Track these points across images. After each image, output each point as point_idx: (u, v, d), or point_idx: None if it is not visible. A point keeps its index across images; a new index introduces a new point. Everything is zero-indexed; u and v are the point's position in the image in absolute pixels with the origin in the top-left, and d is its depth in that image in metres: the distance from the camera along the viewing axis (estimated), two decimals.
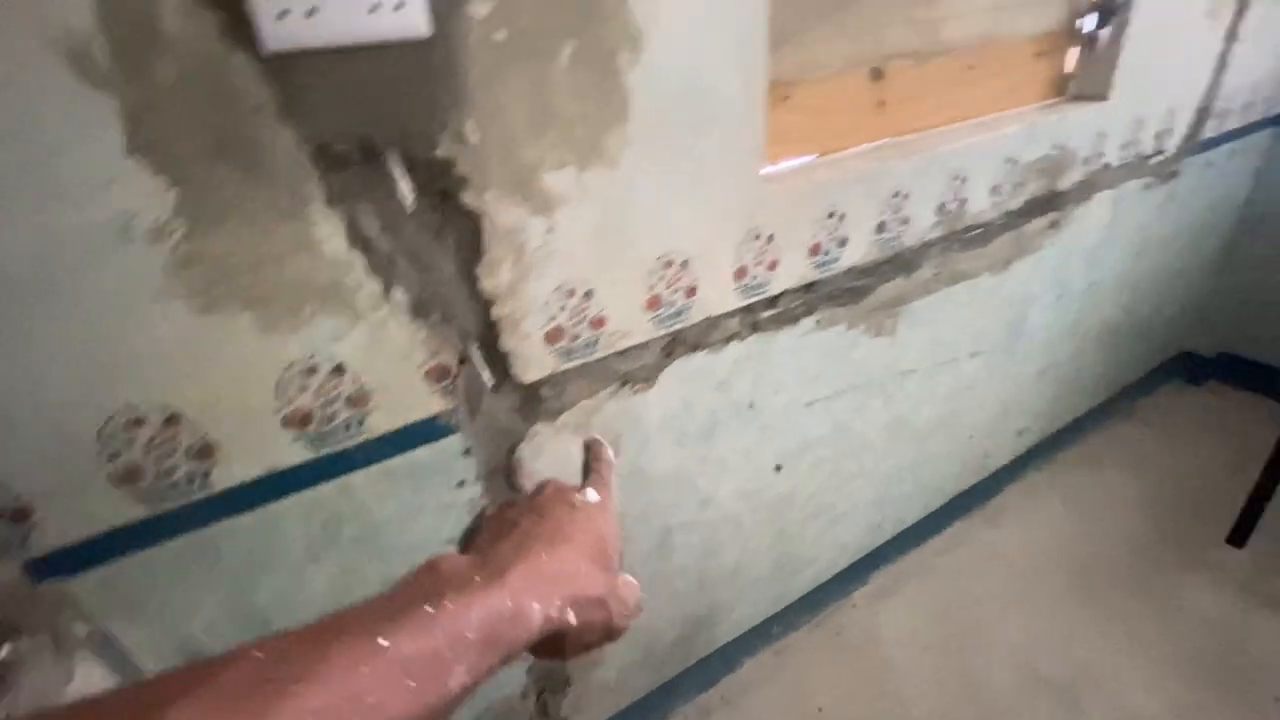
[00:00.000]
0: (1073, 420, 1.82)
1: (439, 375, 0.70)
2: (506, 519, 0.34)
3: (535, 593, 0.28)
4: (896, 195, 1.00)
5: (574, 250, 0.73)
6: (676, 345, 0.89)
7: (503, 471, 0.80)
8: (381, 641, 0.23)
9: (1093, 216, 1.37)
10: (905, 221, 1.04)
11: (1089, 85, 1.22)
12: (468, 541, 0.36)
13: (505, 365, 0.74)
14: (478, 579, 0.27)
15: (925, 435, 1.37)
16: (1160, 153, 1.43)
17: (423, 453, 0.73)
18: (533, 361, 0.76)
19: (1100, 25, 1.17)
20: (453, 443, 0.75)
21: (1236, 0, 1.35)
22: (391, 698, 0.22)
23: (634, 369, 0.86)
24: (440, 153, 0.61)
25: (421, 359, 0.68)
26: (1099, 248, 1.45)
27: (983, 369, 1.38)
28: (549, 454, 0.83)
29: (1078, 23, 1.18)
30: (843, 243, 0.98)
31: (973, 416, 1.46)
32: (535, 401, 0.79)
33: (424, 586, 0.27)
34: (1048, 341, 1.51)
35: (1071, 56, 1.21)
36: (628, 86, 0.69)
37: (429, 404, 0.71)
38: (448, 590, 0.26)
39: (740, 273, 0.89)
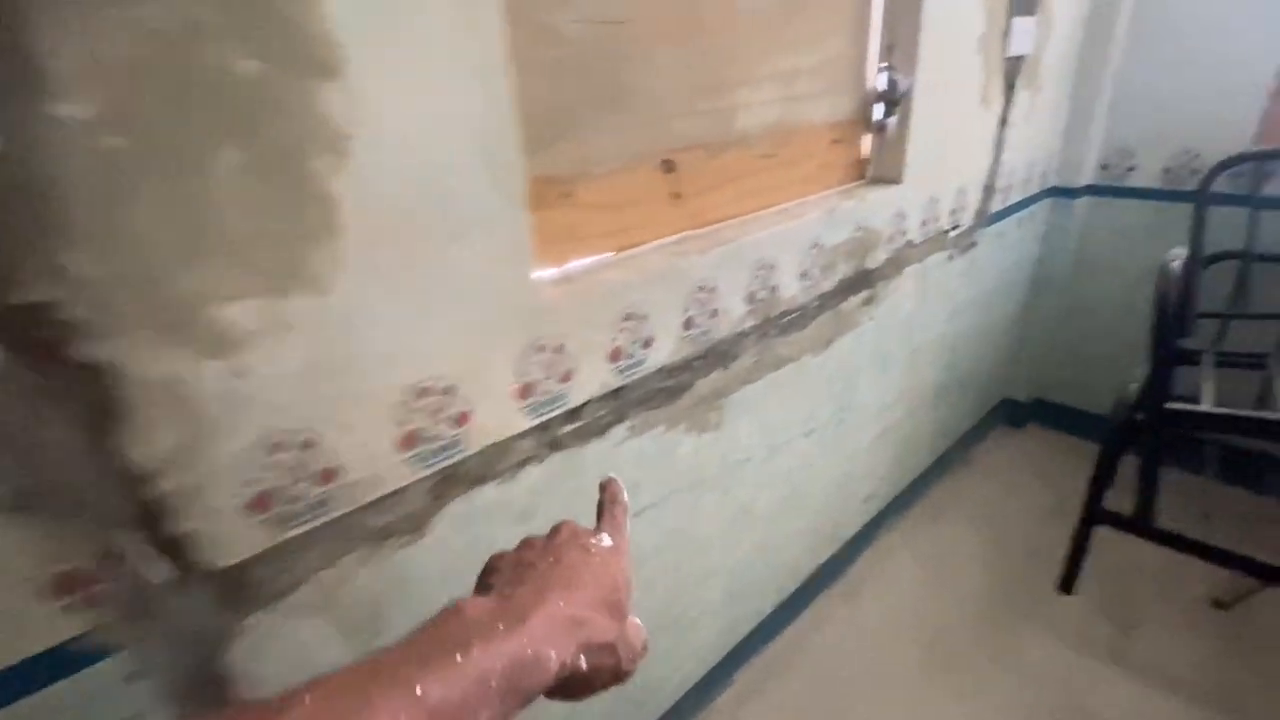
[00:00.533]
0: (916, 477, 1.87)
1: (67, 586, 0.51)
2: (524, 561, 0.35)
3: (552, 640, 0.29)
4: (702, 289, 0.94)
5: (279, 394, 0.58)
6: (451, 484, 0.75)
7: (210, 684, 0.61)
8: (417, 690, 0.23)
9: (904, 289, 1.42)
10: (714, 314, 0.98)
11: (885, 169, 1.27)
12: (483, 580, 0.36)
13: (185, 551, 0.56)
14: (500, 626, 0.28)
15: (770, 520, 1.31)
16: (956, 227, 1.53)
17: (60, 690, 0.53)
18: (230, 540, 0.58)
19: (887, 114, 1.22)
20: (109, 668, 0.55)
21: (1004, 89, 1.49)
22: None
23: (393, 520, 0.70)
24: (29, 296, 0.45)
25: (31, 570, 0.49)
26: (914, 317, 1.50)
27: (818, 445, 1.36)
28: (284, 644, 0.64)
29: (869, 111, 1.22)
30: (648, 343, 0.90)
31: (816, 492, 1.43)
32: (245, 587, 0.61)
33: (451, 632, 0.27)
34: (879, 409, 1.53)
35: (866, 142, 1.25)
36: (333, 196, 0.56)
37: (54, 628, 0.51)
38: (474, 638, 0.27)
39: (525, 390, 0.77)
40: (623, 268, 0.87)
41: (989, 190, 1.60)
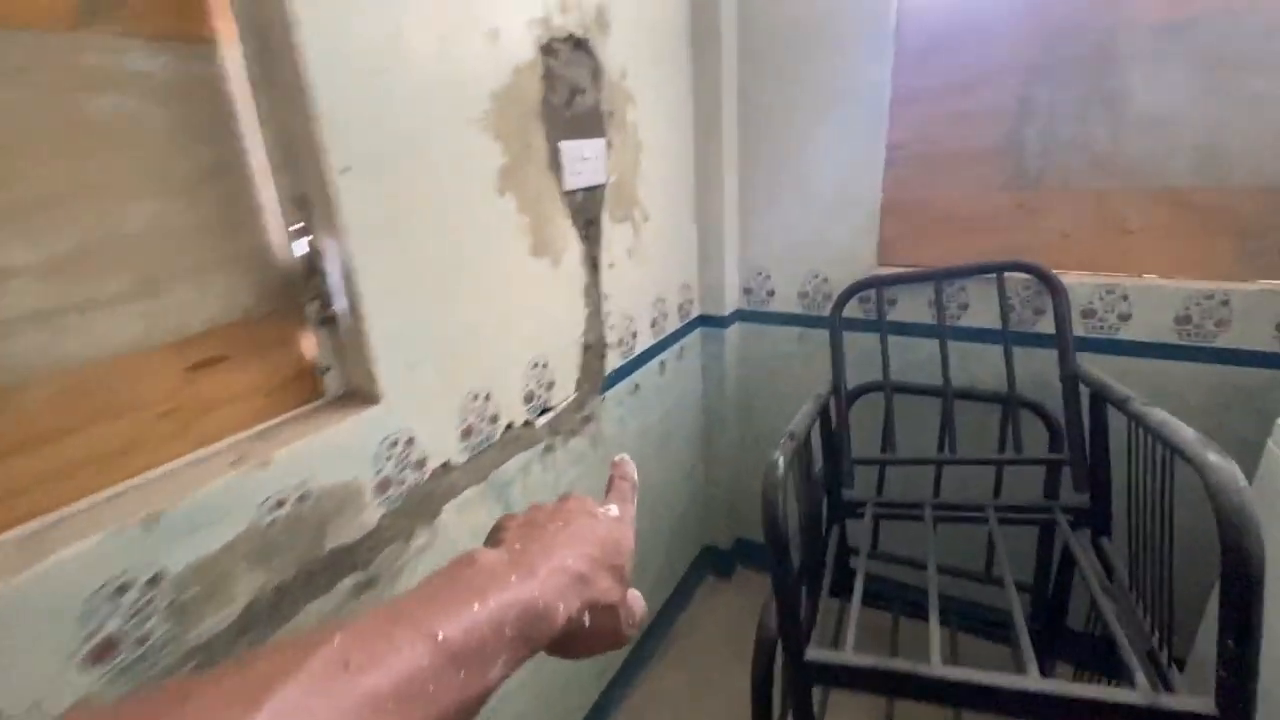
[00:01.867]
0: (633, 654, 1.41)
1: None
2: (533, 521, 0.35)
3: (561, 594, 0.30)
4: None
5: None
6: None
7: None
8: (439, 635, 0.24)
9: (451, 532, 0.95)
10: None
11: (351, 383, 0.80)
12: (492, 538, 0.36)
13: None
14: (513, 577, 0.28)
15: None
16: (547, 410, 1.13)
17: None
18: None
19: (324, 305, 0.76)
20: None
21: (579, 228, 1.15)
22: (444, 687, 0.23)
23: None
24: None
25: None
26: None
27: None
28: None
29: (297, 299, 0.75)
30: None
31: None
32: None
33: (468, 580, 0.27)
34: None
35: (311, 345, 0.77)
36: None
37: None
38: (490, 586, 0.27)
39: None
40: None
41: (595, 348, 1.25)
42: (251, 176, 0.69)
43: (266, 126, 0.69)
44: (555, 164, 1.06)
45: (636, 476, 0.43)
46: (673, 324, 1.55)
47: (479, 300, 0.94)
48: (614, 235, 1.25)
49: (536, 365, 1.09)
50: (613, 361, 1.31)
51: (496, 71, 0.91)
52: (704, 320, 1.69)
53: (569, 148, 1.07)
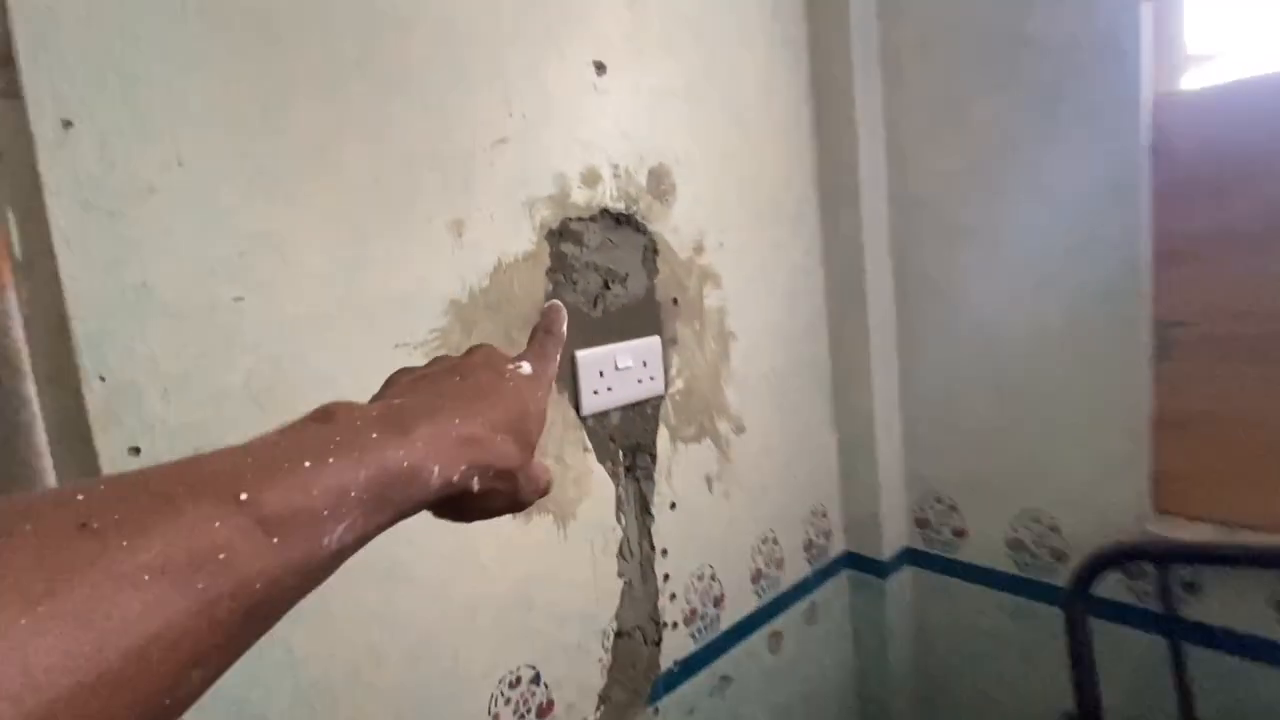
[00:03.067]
0: None
1: None
2: (429, 375, 0.31)
3: (438, 455, 0.25)
4: None
5: None
6: None
7: None
8: (241, 495, 0.19)
9: None
10: None
11: None
12: (380, 393, 0.31)
13: None
14: (375, 435, 0.24)
15: None
16: None
17: None
18: None
19: None
20: None
21: (619, 466, 0.80)
22: (248, 554, 0.18)
23: None
24: None
25: None
26: None
27: None
28: None
29: None
30: None
31: None
32: None
33: (313, 435, 0.23)
34: None
35: None
36: None
37: None
38: (336, 445, 0.22)
39: None
40: None
41: (637, 633, 0.83)
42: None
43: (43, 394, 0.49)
44: (568, 381, 0.75)
45: (565, 328, 0.37)
46: (795, 572, 1.07)
47: (420, 597, 0.63)
48: (681, 462, 0.88)
49: (516, 682, 0.72)
50: (675, 647, 0.88)
51: (462, 274, 0.66)
52: (852, 561, 1.16)
53: (589, 359, 0.76)
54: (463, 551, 0.67)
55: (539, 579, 0.73)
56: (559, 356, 0.36)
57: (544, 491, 0.32)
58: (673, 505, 0.87)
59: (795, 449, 1.06)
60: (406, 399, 0.28)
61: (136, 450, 0.48)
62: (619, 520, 0.81)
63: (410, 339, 0.62)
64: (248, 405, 0.54)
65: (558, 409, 0.74)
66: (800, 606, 1.08)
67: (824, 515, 1.13)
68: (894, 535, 1.14)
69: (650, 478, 0.85)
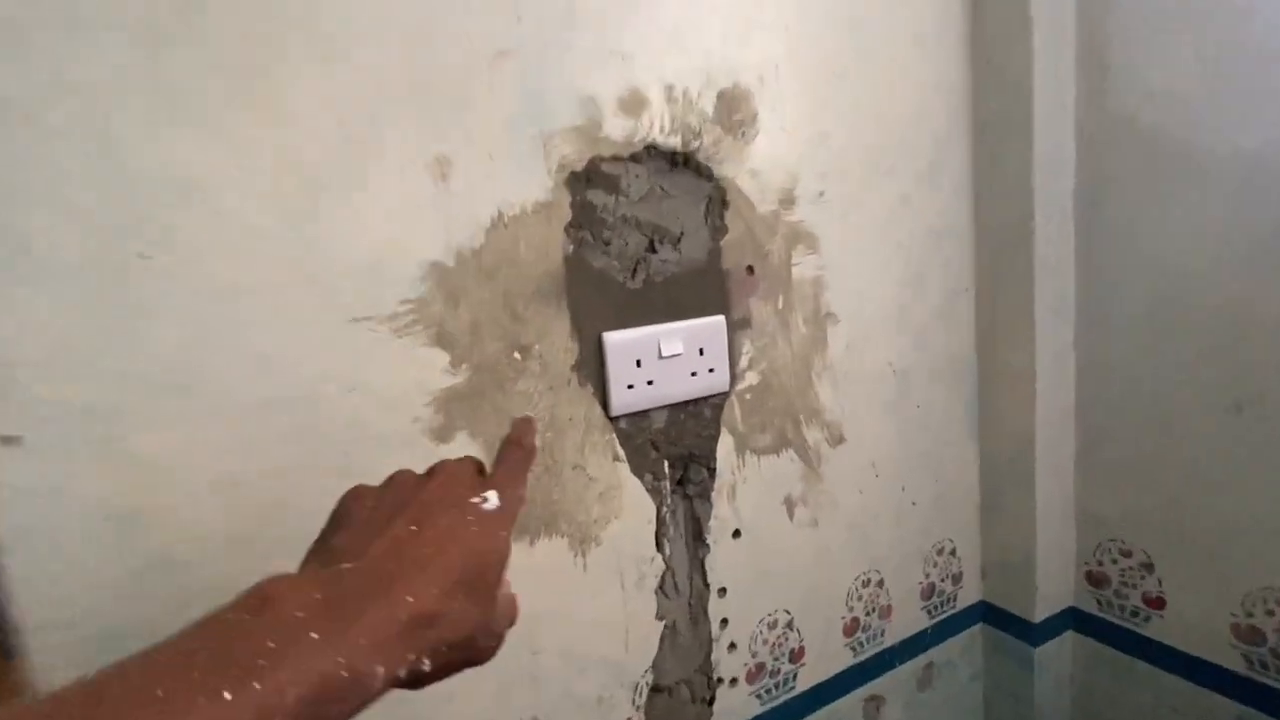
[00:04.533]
0: None
1: None
2: (379, 514, 0.28)
3: (383, 652, 0.23)
4: None
5: None
6: None
7: None
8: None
9: None
10: None
11: None
12: (333, 520, 0.30)
13: None
14: (315, 634, 0.21)
15: None
16: None
17: None
18: None
19: None
20: None
21: (658, 485, 0.63)
22: None
23: None
24: None
25: None
26: None
27: None
28: None
29: None
30: None
31: None
32: None
33: (245, 635, 0.21)
34: None
35: None
36: None
37: None
38: (269, 655, 0.20)
39: None
40: None
41: (681, 688, 0.66)
42: None
43: None
44: (592, 371, 0.58)
45: (537, 440, 0.35)
46: (907, 624, 0.83)
47: None
48: (750, 479, 0.68)
49: None
50: (733, 709, 0.70)
51: (447, 229, 0.51)
52: (990, 616, 0.89)
53: (622, 344, 0.59)
54: None
55: (548, 617, 0.59)
56: (529, 475, 0.33)
57: (506, 629, 0.30)
58: (736, 533, 0.68)
59: (916, 467, 0.81)
60: (355, 568, 0.25)
61: (15, 440, 0.40)
62: (661, 548, 0.64)
63: (375, 311, 0.49)
64: (165, 390, 0.43)
65: (579, 405, 0.58)
66: (911, 667, 0.84)
67: (952, 554, 0.87)
68: (1055, 590, 0.85)
69: (706, 497, 0.66)
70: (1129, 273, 0.76)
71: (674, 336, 0.61)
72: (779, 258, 0.68)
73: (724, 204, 0.64)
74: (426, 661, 0.24)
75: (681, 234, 0.62)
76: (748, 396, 0.67)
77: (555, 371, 0.57)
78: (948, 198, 0.80)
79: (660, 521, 0.64)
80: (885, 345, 0.77)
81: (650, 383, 0.60)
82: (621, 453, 0.61)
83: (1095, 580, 0.84)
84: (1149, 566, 0.79)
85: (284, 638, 0.21)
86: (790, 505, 0.72)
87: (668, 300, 0.62)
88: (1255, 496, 0.69)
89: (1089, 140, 0.77)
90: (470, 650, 0.27)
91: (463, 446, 0.53)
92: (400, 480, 0.31)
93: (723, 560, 0.68)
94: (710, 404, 0.65)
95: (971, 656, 0.90)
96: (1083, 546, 0.85)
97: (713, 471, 0.66)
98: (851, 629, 0.78)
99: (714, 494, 0.66)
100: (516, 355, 0.55)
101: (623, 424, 0.61)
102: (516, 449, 0.34)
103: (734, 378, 0.66)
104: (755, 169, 0.65)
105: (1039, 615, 0.84)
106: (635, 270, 0.60)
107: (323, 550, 0.28)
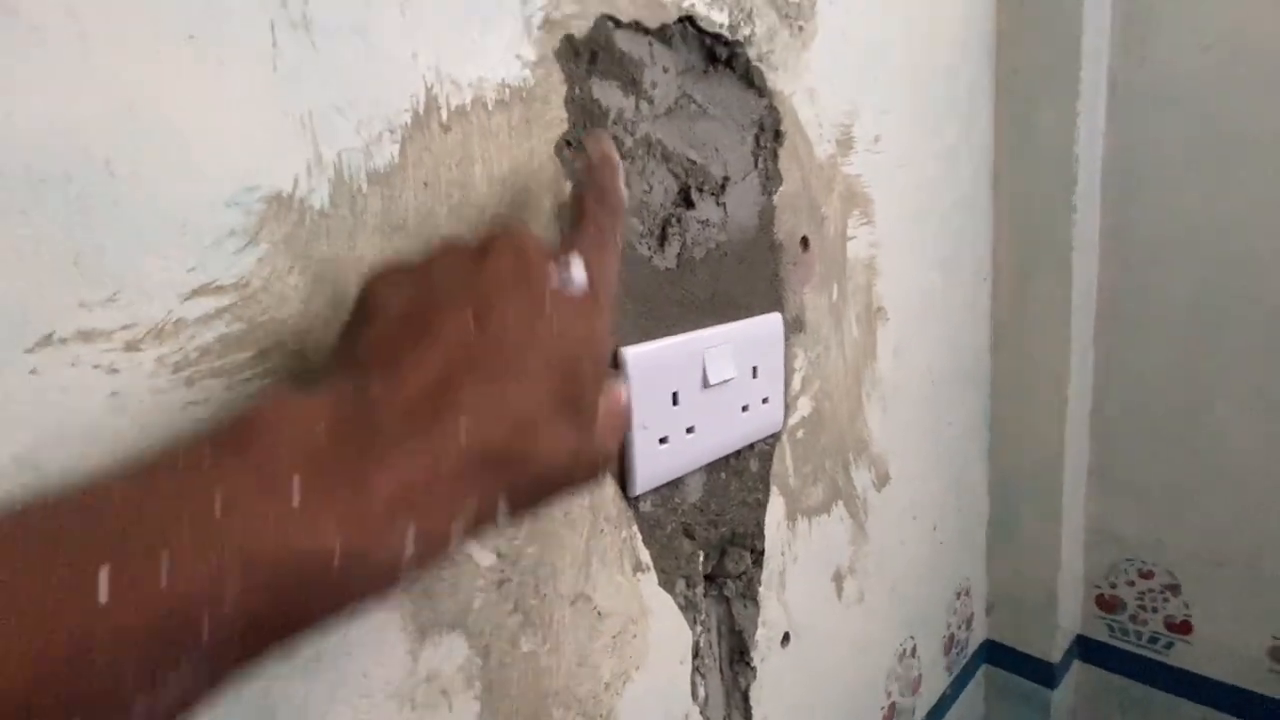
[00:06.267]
0: None
1: None
2: (418, 311, 0.18)
3: (421, 510, 0.16)
4: None
5: None
6: None
7: None
8: (100, 594, 0.12)
9: None
10: None
11: None
12: (356, 314, 0.20)
13: None
14: (296, 498, 0.14)
15: None
16: None
17: None
18: None
19: None
20: None
21: (690, 596, 0.38)
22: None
23: None
24: None
25: None
26: None
27: None
28: None
29: None
30: None
31: None
32: None
33: (192, 491, 0.14)
34: None
35: None
36: None
37: None
38: (214, 517, 0.13)
39: None
40: None
41: None
42: None
43: None
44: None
45: (623, 184, 0.24)
46: (933, 689, 0.67)
47: None
48: (800, 556, 0.46)
49: None
50: None
51: (315, 140, 0.22)
52: (994, 654, 0.77)
53: (650, 366, 0.33)
54: None
55: None
56: (622, 235, 0.24)
57: (614, 445, 0.22)
58: (785, 639, 0.46)
59: (946, 499, 0.65)
60: (387, 387, 0.17)
61: None
62: (695, 695, 0.40)
63: (113, 320, 0.19)
64: None
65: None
66: None
67: (966, 594, 0.73)
68: (1065, 619, 0.74)
69: (751, 595, 0.43)
70: (1165, 257, 0.65)
71: (723, 350, 0.36)
72: (835, 228, 0.46)
73: (777, 135, 0.40)
74: (502, 506, 0.18)
75: (725, 180, 0.37)
76: (800, 434, 0.45)
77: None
78: (978, 159, 0.64)
79: (696, 652, 0.39)
80: (925, 346, 0.59)
81: (690, 430, 0.35)
82: (646, 556, 0.35)
83: (1107, 605, 0.75)
84: (1174, 588, 0.70)
85: (249, 501, 0.14)
86: (840, 582, 0.51)
87: (713, 288, 0.37)
88: None
89: (1126, 99, 0.65)
90: (562, 483, 0.20)
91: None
92: (446, 255, 0.20)
93: (769, 682, 0.45)
94: (756, 454, 0.42)
95: (974, 706, 0.78)
96: (1092, 569, 0.75)
97: (758, 556, 0.43)
98: (889, 717, 0.60)
99: (762, 588, 0.43)
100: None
101: (645, 507, 0.35)
102: (597, 205, 0.23)
103: (788, 406, 0.43)
104: (813, 87, 0.42)
105: (1057, 653, 0.73)
106: (665, 235, 0.34)
107: (346, 355, 0.19)
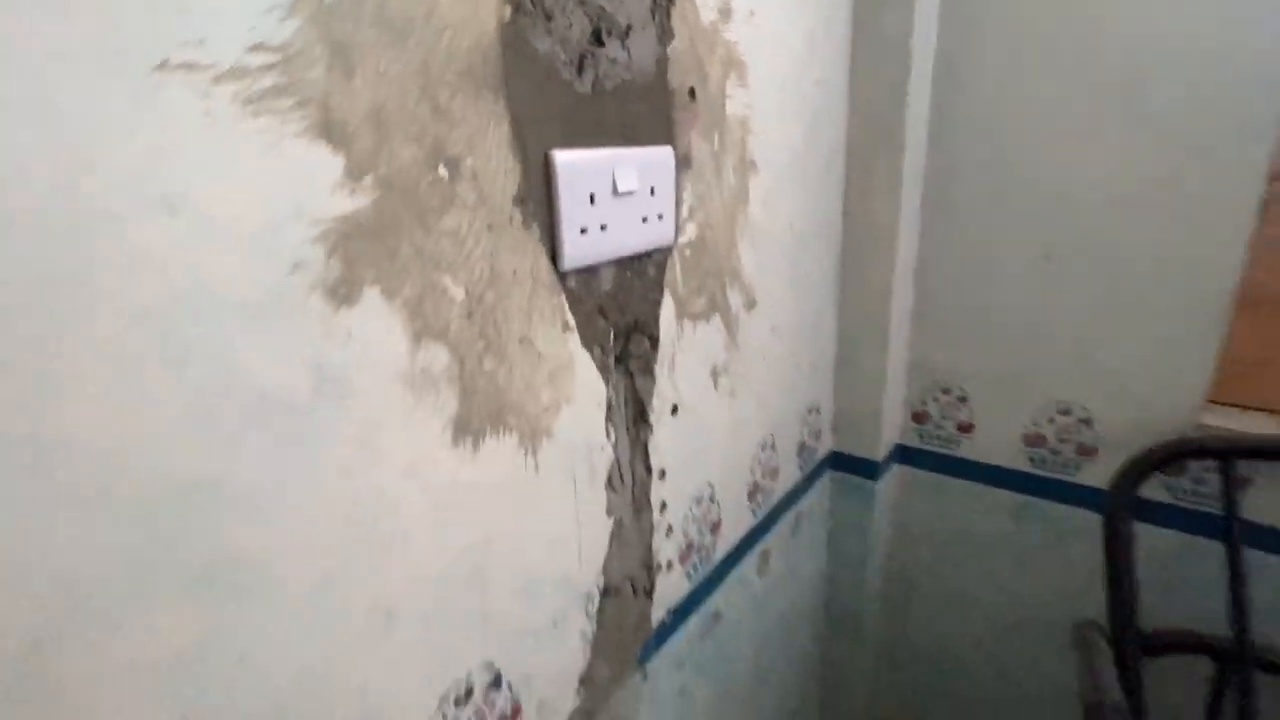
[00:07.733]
0: None
1: None
2: None
3: None
4: None
5: None
6: None
7: None
8: None
9: None
10: None
11: None
12: None
13: None
14: None
15: None
16: None
17: None
18: None
19: None
20: None
21: (607, 354, 0.51)
22: None
23: None
24: None
25: None
26: None
27: None
28: None
29: None
30: None
31: None
32: None
33: None
34: None
35: None
36: None
37: None
38: None
39: None
40: None
41: (629, 586, 0.59)
42: None
43: None
44: (538, 206, 0.43)
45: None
46: (787, 480, 0.87)
47: (282, 610, 0.32)
48: (687, 349, 0.60)
49: (466, 695, 0.44)
50: (669, 592, 0.65)
51: None
52: (838, 462, 0.99)
53: (575, 167, 0.44)
54: (359, 516, 0.36)
55: (497, 541, 0.44)
56: None
57: None
58: (674, 409, 0.60)
59: (804, 332, 0.82)
60: None
61: None
62: (609, 435, 0.53)
63: (202, 56, 0.26)
64: None
65: (524, 254, 0.42)
66: (788, 518, 0.89)
67: (818, 412, 0.92)
68: (889, 431, 0.97)
69: (649, 371, 0.56)
70: (975, 138, 0.83)
71: (628, 166, 0.47)
72: (716, 85, 0.57)
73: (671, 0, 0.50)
74: None
75: (629, 27, 0.47)
76: (687, 253, 0.58)
77: (494, 203, 0.39)
78: (837, 45, 0.77)
79: (609, 403, 0.52)
80: (789, 200, 0.73)
81: (604, 227, 0.46)
82: (572, 319, 0.47)
83: (918, 418, 0.98)
84: (964, 400, 0.93)
85: None
86: (716, 376, 0.66)
87: (620, 117, 0.47)
88: (1051, 330, 0.85)
89: (958, 2, 0.80)
90: None
91: (375, 313, 0.34)
92: None
93: (663, 441, 0.59)
94: (655, 261, 0.54)
95: (822, 500, 1.00)
96: (911, 393, 0.98)
97: (655, 342, 0.56)
98: (753, 493, 0.79)
99: (657, 367, 0.57)
100: (442, 171, 0.36)
101: (572, 283, 0.46)
102: None
103: (679, 226, 0.55)
104: None
105: (879, 453, 0.95)
106: (582, 66, 0.44)
107: None
